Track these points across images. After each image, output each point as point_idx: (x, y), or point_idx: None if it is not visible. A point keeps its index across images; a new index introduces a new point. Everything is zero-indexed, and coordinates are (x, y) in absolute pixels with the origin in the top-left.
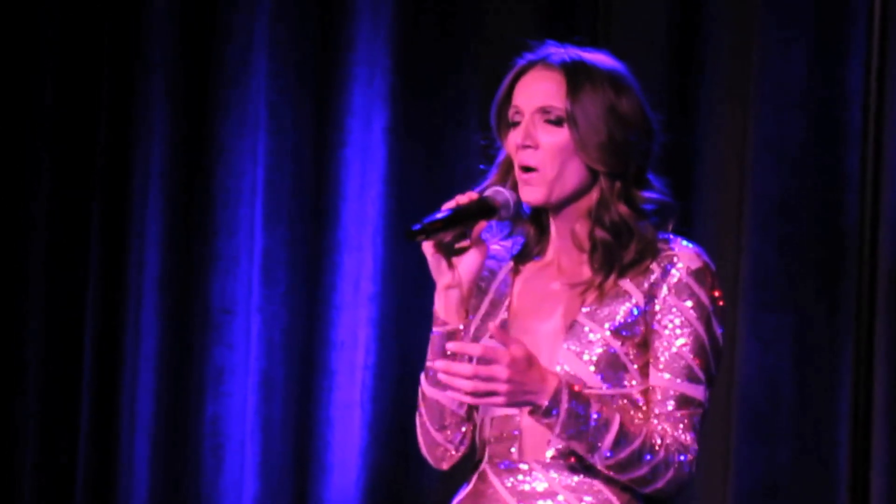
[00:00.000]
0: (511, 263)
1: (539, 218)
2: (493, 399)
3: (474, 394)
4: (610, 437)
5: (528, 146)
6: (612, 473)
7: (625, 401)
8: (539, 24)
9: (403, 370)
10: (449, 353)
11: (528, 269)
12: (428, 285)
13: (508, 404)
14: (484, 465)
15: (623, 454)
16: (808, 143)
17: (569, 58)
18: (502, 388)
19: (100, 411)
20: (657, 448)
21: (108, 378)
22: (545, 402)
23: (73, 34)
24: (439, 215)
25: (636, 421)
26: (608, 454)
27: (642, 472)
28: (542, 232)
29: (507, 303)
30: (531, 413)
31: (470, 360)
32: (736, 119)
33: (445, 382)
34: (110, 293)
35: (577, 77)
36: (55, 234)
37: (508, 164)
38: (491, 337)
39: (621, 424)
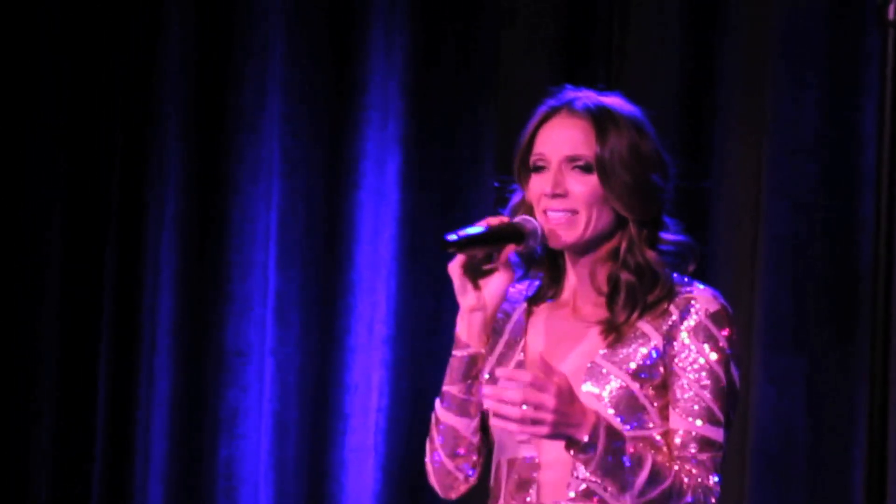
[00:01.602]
0: (525, 305)
1: (554, 260)
2: (538, 428)
3: (522, 421)
4: (643, 476)
5: (558, 194)
6: None
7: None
8: (553, 70)
9: (417, 413)
10: (496, 377)
11: (542, 310)
12: (441, 328)
13: (551, 435)
14: None
15: (653, 494)
16: (821, 187)
17: (592, 104)
18: (549, 417)
19: (114, 454)
20: (685, 489)
21: (121, 421)
22: (585, 438)
23: (87, 80)
24: (472, 230)
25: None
26: (639, 493)
27: None
28: (556, 273)
29: (522, 344)
30: (568, 447)
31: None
32: (749, 163)
33: (493, 410)
34: (124, 336)
35: (603, 124)
36: (69, 278)
37: (527, 209)
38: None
39: (653, 464)
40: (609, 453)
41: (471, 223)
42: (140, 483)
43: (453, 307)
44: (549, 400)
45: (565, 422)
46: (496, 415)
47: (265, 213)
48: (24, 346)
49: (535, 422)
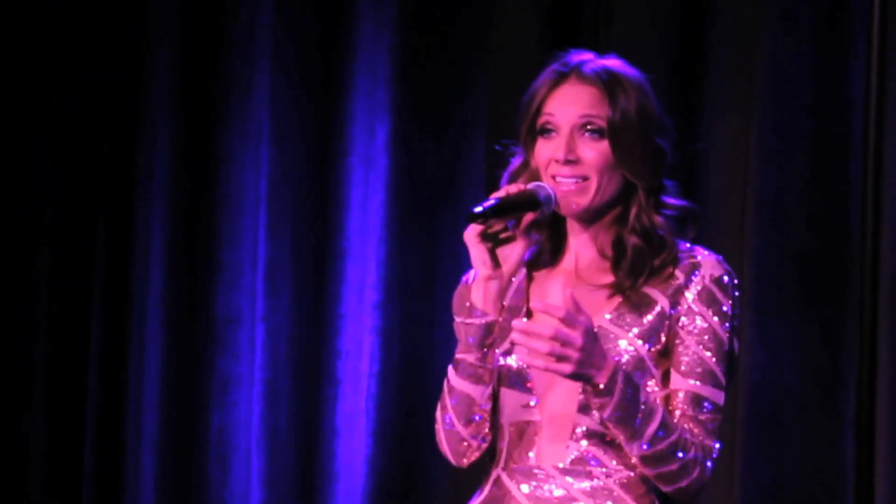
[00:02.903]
0: (524, 270)
1: (555, 224)
2: (563, 365)
3: (549, 356)
4: (653, 427)
5: (571, 161)
6: (645, 465)
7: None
8: (542, 35)
9: (408, 378)
10: (531, 308)
11: (542, 276)
12: (431, 293)
13: (573, 374)
14: (498, 471)
15: (661, 446)
16: (810, 150)
17: (601, 69)
18: (575, 355)
19: (105, 423)
20: (689, 445)
21: (113, 389)
22: (603, 381)
23: (76, 51)
24: (493, 201)
25: None
26: (648, 443)
27: (673, 467)
28: (557, 238)
29: (524, 310)
30: (584, 391)
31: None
32: (738, 127)
33: (521, 343)
34: (115, 305)
35: (613, 89)
36: (60, 247)
37: (531, 173)
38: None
39: (663, 416)
40: (625, 400)
41: (460, 188)
42: (132, 451)
43: (443, 272)
44: (578, 338)
45: (588, 362)
46: (525, 348)
47: (254, 180)
48: (16, 314)
49: (560, 358)
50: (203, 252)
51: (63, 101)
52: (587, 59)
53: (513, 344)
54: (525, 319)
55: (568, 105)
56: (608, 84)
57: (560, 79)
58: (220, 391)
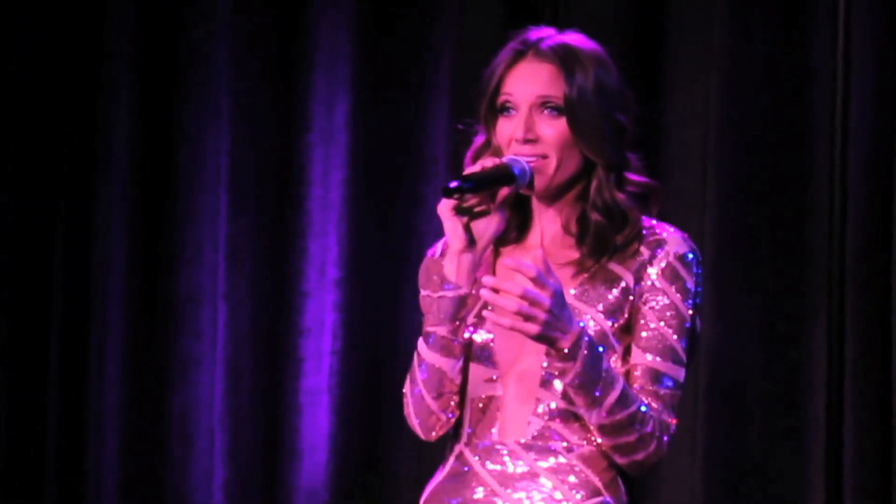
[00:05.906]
0: (491, 247)
1: (520, 201)
2: (529, 325)
3: (516, 314)
4: (613, 396)
5: (530, 140)
6: (602, 435)
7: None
8: (503, 11)
9: (371, 355)
10: (504, 265)
11: (508, 252)
12: (392, 269)
13: (538, 335)
14: (461, 447)
15: (619, 416)
16: (772, 123)
17: (558, 45)
18: (542, 316)
19: (67, 403)
20: (647, 418)
21: (74, 369)
22: (567, 346)
23: (36, 19)
24: (470, 176)
25: None
26: (607, 412)
27: (631, 438)
28: (522, 214)
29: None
30: (548, 354)
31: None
32: (699, 99)
33: (490, 300)
34: (75, 284)
35: (571, 66)
36: (20, 223)
37: (494, 151)
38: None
39: (624, 386)
40: (587, 366)
41: (420, 165)
42: (95, 432)
43: (404, 248)
44: (546, 299)
45: (554, 324)
46: (493, 305)
47: (215, 158)
48: None
49: (527, 318)
50: (164, 230)
51: (20, 78)
52: (545, 35)
53: (478, 318)
54: None
55: (525, 83)
56: (565, 61)
57: (517, 57)
58: (182, 370)
